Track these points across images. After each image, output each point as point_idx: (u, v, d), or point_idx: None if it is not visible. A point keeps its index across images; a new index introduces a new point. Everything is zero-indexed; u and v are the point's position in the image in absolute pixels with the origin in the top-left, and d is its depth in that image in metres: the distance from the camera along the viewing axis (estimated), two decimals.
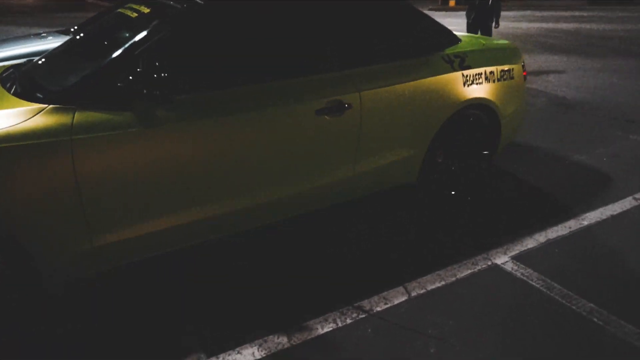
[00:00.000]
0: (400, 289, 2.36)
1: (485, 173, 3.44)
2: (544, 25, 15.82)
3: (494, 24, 7.44)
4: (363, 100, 2.56)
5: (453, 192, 3.26)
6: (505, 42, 3.64)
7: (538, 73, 8.19)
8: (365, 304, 2.24)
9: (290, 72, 2.41)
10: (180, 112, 2.06)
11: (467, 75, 2.99)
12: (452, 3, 27.48)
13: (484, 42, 3.39)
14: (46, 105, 1.88)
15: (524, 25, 16.17)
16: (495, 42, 3.59)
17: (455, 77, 2.94)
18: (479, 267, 2.54)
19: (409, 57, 2.82)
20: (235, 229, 2.44)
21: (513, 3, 32.03)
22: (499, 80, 3.18)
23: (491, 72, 3.13)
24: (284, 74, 2.40)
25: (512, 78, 3.28)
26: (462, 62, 3.00)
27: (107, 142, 1.90)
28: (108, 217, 1.98)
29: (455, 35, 3.23)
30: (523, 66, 3.43)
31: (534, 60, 9.75)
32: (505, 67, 3.23)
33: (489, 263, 2.58)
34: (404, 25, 2.92)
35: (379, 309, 2.21)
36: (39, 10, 18.34)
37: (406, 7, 2.97)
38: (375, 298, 2.28)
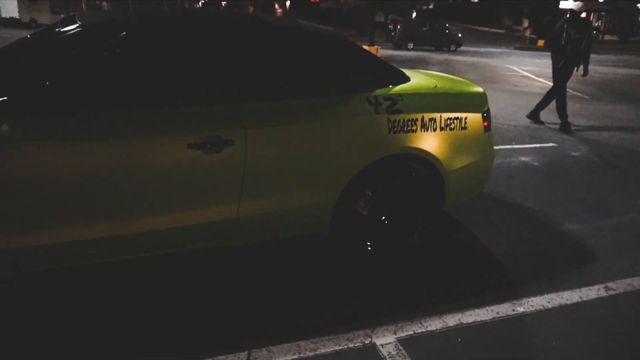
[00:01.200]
0: (244, 355, 2.06)
1: (425, 230, 3.00)
2: (633, 71, 14.27)
3: (581, 70, 6.66)
4: (249, 138, 2.34)
5: (371, 247, 2.87)
6: (472, 87, 3.20)
7: (595, 124, 7.32)
8: None
9: (163, 102, 2.27)
10: (24, 131, 2.00)
11: (394, 121, 2.64)
12: (540, 43, 26.02)
13: (437, 85, 3.00)
14: None
15: (611, 70, 14.75)
16: (457, 86, 3.18)
17: (377, 122, 2.61)
18: (351, 345, 2.15)
19: (318, 95, 2.56)
20: (108, 255, 2.31)
21: (611, 46, 29.47)
22: (442, 129, 2.78)
23: (431, 120, 2.74)
24: (156, 103, 2.26)
25: (464, 128, 2.86)
26: (392, 105, 2.66)
27: None
28: None
29: (401, 75, 2.90)
30: (485, 115, 2.99)
31: (597, 109, 8.79)
32: (454, 115, 2.82)
33: (367, 341, 2.18)
34: (318, 59, 2.65)
35: None
36: None
37: (326, 40, 2.72)
38: None
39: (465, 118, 2.87)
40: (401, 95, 2.73)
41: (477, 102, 3.00)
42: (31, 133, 2.02)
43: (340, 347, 2.14)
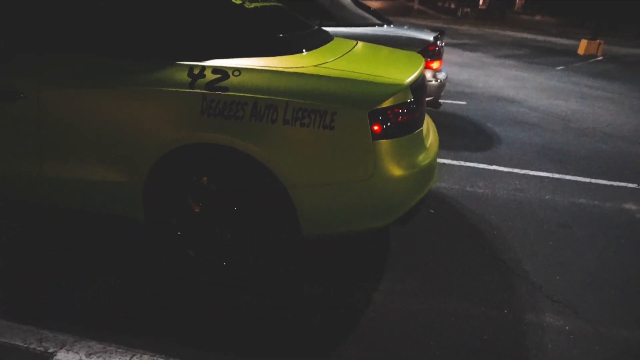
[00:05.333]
0: None
1: (281, 263, 2.27)
2: None
3: None
4: (42, 94, 2.15)
5: (195, 255, 2.32)
6: (391, 72, 2.22)
7: None
8: None
9: None
10: None
11: (212, 101, 2.02)
12: None
13: (339, 58, 2.18)
14: None
15: None
16: (364, 66, 2.26)
17: (188, 99, 2.03)
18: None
19: (128, 57, 2.13)
20: None
21: None
22: (287, 122, 2.00)
23: (269, 107, 2.00)
24: None
25: (327, 127, 2.00)
26: (217, 80, 2.04)
27: None
28: None
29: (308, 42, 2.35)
30: (379, 116, 2.01)
31: None
32: (311, 106, 1.99)
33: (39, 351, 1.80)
34: (150, 16, 2.18)
35: None
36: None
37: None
38: None
39: (333, 114, 1.99)
40: (240, 70, 2.07)
41: (364, 93, 2.03)
42: None
43: None
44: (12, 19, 2.26)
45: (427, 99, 4.55)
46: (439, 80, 4.62)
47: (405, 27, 5.04)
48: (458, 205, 3.33)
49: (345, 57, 2.44)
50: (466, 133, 5.16)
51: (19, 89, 2.16)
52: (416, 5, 37.07)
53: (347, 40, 2.99)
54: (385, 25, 4.77)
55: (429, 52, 4.51)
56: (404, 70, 2.33)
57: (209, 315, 2.09)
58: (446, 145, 4.52)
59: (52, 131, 2.21)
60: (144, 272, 2.35)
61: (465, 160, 4.20)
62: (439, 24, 25.44)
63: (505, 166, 4.15)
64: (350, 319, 2.13)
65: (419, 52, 4.43)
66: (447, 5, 39.81)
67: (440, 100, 4.93)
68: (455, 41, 15.83)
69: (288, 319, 2.10)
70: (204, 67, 2.07)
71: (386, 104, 2.04)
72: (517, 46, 15.96)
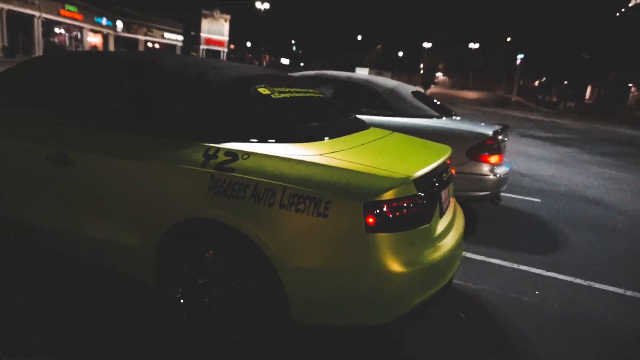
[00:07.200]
0: None
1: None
2: None
3: None
4: (85, 163, 2.47)
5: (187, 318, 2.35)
6: (384, 170, 2.14)
7: None
8: None
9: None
10: None
11: (218, 180, 2.14)
12: None
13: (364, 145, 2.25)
14: None
15: None
16: (376, 159, 2.27)
17: (198, 177, 2.19)
18: None
19: (156, 135, 2.39)
20: None
21: None
22: (283, 207, 2.04)
23: (268, 191, 2.07)
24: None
25: (320, 215, 2.00)
26: (227, 162, 2.18)
27: None
28: None
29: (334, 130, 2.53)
30: (375, 210, 1.97)
31: None
32: (307, 193, 2.02)
33: None
34: (176, 101, 2.45)
35: None
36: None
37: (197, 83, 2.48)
38: None
39: (328, 202, 2.00)
40: (249, 153, 2.19)
41: (361, 185, 2.02)
42: None
43: None
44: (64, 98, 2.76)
45: (482, 193, 4.38)
46: (497, 176, 4.42)
47: (465, 120, 4.99)
48: (495, 313, 3.01)
49: (363, 147, 2.48)
50: (529, 233, 4.76)
51: (70, 157, 2.50)
52: (514, 98, 36.61)
53: (381, 130, 3.04)
54: (444, 118, 4.78)
55: (486, 146, 4.38)
56: (417, 163, 2.30)
57: None
58: (499, 243, 4.21)
59: (88, 194, 2.49)
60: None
61: (519, 263, 3.84)
62: (535, 117, 24.68)
63: (565, 274, 3.71)
64: None
65: (475, 146, 4.35)
66: (548, 98, 38.71)
67: (500, 195, 4.67)
68: (548, 135, 15.17)
69: None
70: (218, 149, 2.24)
71: (384, 197, 2.00)
72: (621, 144, 14.80)
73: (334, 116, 2.95)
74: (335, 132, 2.58)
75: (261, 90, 2.56)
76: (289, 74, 5.78)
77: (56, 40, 38.19)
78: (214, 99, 2.42)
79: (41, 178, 2.62)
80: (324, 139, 2.43)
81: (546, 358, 2.58)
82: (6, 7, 31.18)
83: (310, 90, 3.06)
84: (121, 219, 2.42)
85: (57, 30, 38.49)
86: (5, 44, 31.36)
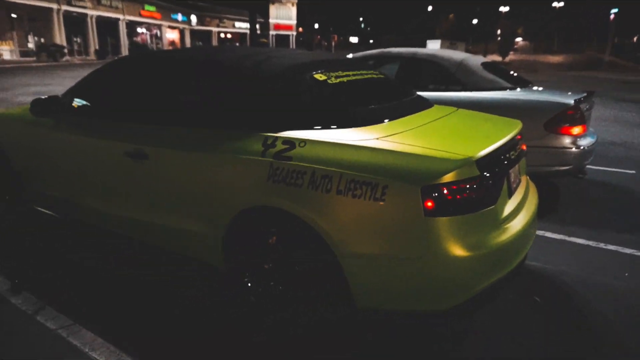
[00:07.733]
0: None
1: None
2: None
3: None
4: (158, 157, 2.64)
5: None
6: (459, 145, 2.09)
7: None
8: None
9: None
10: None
11: (277, 169, 2.20)
12: None
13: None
14: None
15: None
16: (432, 140, 2.20)
17: (258, 166, 2.25)
18: None
19: (219, 127, 2.49)
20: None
21: None
22: (340, 192, 2.05)
23: (325, 177, 2.08)
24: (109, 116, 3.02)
25: (377, 199, 1.98)
26: (285, 150, 2.22)
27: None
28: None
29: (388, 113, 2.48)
30: (433, 193, 1.91)
31: None
32: (364, 179, 2.00)
33: None
34: (231, 95, 2.54)
35: None
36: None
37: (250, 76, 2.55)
38: None
39: (385, 187, 1.97)
40: (306, 141, 2.22)
41: (419, 168, 1.95)
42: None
43: None
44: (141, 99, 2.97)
45: (563, 168, 4.06)
46: (581, 148, 4.06)
47: (542, 90, 4.62)
48: (576, 296, 2.81)
49: (423, 127, 2.41)
50: (620, 208, 4.35)
51: (145, 152, 2.69)
52: (608, 57, 33.07)
53: (445, 107, 2.93)
54: (518, 89, 4.46)
55: (568, 116, 4.03)
56: (481, 142, 2.19)
57: None
58: (584, 221, 3.89)
59: (162, 186, 2.68)
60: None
61: (606, 242, 3.53)
62: (634, 78, 22.17)
63: None
64: None
65: (554, 117, 4.02)
66: None
67: (585, 169, 4.30)
68: None
69: None
70: (276, 138, 2.29)
71: (443, 179, 1.93)
72: None
73: (394, 97, 2.87)
74: (395, 114, 2.52)
75: (317, 76, 2.56)
76: (354, 53, 5.73)
77: (139, 39, 40.86)
78: (269, 89, 2.47)
79: (120, 172, 2.85)
80: (383, 122, 2.39)
81: (638, 350, 2.37)
82: (95, 13, 33.92)
83: (370, 72, 3.01)
84: (190, 208, 2.58)
85: (138, 29, 41.12)
86: (97, 47, 34.26)
